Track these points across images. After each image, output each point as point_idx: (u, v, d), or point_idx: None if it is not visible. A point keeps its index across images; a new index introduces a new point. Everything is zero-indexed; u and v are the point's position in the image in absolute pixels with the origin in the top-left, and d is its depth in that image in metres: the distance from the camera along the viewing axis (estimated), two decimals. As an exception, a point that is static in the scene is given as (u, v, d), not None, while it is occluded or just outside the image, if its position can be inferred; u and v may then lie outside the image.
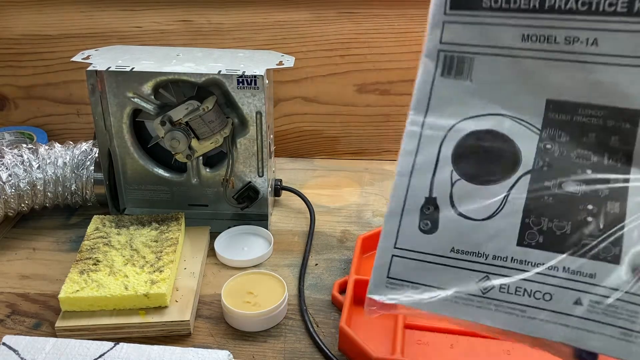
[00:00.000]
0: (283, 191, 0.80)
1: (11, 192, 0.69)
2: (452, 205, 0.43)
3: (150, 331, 0.56)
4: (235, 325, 0.58)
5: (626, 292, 0.38)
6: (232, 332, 0.57)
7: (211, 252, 0.69)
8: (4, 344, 0.51)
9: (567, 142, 0.41)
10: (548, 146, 0.42)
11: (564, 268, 0.39)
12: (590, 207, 0.40)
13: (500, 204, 0.42)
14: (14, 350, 0.51)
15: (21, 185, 0.70)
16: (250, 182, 0.72)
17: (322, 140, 0.95)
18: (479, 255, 0.42)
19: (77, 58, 0.68)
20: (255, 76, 0.65)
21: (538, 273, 0.40)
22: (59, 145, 0.75)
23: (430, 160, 0.43)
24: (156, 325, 0.56)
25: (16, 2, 0.88)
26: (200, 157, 0.71)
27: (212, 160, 0.73)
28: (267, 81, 0.66)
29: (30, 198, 0.72)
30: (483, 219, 0.42)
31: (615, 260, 0.38)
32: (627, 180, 0.39)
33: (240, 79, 0.65)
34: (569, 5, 0.40)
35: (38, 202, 0.73)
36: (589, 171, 0.40)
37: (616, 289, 0.38)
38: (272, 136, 0.75)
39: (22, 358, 0.50)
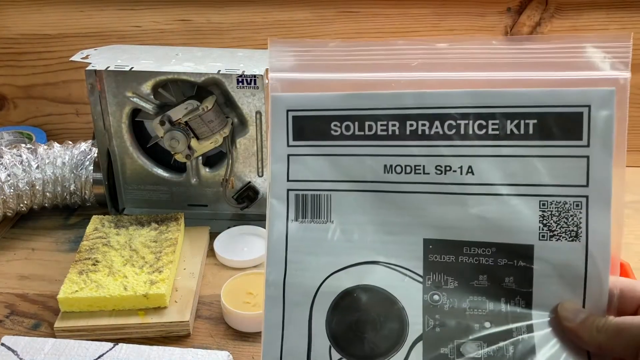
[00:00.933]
0: (283, 191, 0.80)
1: (10, 192, 0.69)
2: None
3: (150, 332, 0.56)
4: (234, 325, 0.58)
5: None
6: (231, 333, 0.57)
7: (211, 252, 0.69)
8: (2, 344, 0.51)
9: (456, 290, 0.35)
10: (435, 297, 0.35)
11: None
12: None
13: None
14: (13, 351, 0.50)
15: (20, 185, 0.70)
16: (250, 182, 0.72)
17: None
18: None
19: (76, 58, 0.68)
20: (254, 76, 0.65)
21: None
22: (58, 145, 0.75)
23: (301, 335, 0.36)
24: (155, 325, 0.56)
25: (15, 1, 0.87)
26: (200, 157, 0.71)
27: (212, 160, 0.73)
28: (266, 81, 0.66)
29: (29, 198, 0.71)
30: None
31: None
32: (531, 329, 0.34)
33: (240, 79, 0.65)
34: (435, 130, 0.35)
35: (37, 202, 0.73)
36: (487, 324, 0.34)
37: None
38: (271, 136, 0.75)
39: (21, 358, 0.50)
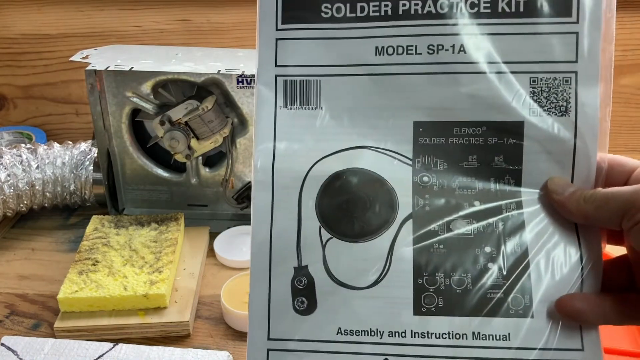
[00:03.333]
0: (283, 191, 0.80)
1: (10, 192, 0.69)
2: (328, 273, 0.35)
3: (150, 332, 0.56)
4: (234, 326, 0.58)
5: (542, 349, 0.33)
6: (231, 333, 0.57)
7: (210, 252, 0.69)
8: (2, 344, 0.51)
9: (446, 171, 0.35)
10: (425, 179, 0.35)
11: (473, 334, 0.33)
12: (488, 249, 0.34)
13: (386, 264, 0.34)
14: (13, 351, 0.50)
15: (20, 185, 0.70)
16: (250, 182, 0.72)
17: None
18: (372, 333, 0.34)
19: (76, 57, 0.68)
20: (255, 76, 0.64)
21: (445, 346, 0.34)
22: (58, 145, 0.75)
23: (291, 217, 0.35)
24: (155, 326, 0.56)
25: (15, 1, 0.87)
26: (200, 157, 0.71)
27: (212, 160, 0.73)
28: None
29: (29, 198, 0.71)
30: (368, 286, 0.34)
31: (526, 312, 0.33)
32: (520, 206, 0.34)
33: (240, 79, 0.65)
34: (427, 10, 0.35)
35: (37, 202, 0.73)
36: (476, 203, 0.35)
37: (534, 348, 0.33)
38: (271, 136, 0.75)
39: (20, 359, 0.50)
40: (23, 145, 0.74)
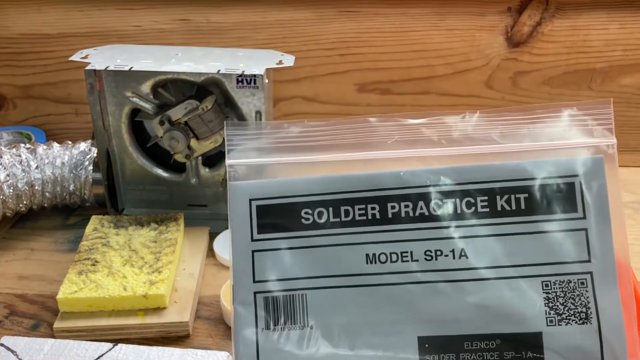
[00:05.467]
0: (283, 191, 0.80)
1: (9, 192, 0.69)
2: None
3: (149, 332, 0.56)
4: (234, 326, 0.57)
5: None
6: (231, 333, 0.57)
7: (210, 252, 0.69)
8: (2, 344, 0.51)
9: None
10: None
11: None
12: None
13: None
14: (12, 351, 0.50)
15: (19, 186, 0.70)
16: (249, 182, 0.72)
17: (322, 139, 0.95)
18: None
19: (76, 57, 0.68)
20: (254, 75, 0.64)
21: None
22: (58, 145, 0.74)
23: None
24: (155, 326, 0.56)
25: (15, 1, 0.87)
26: (200, 157, 0.71)
27: (212, 160, 0.73)
28: (266, 80, 0.66)
29: (29, 198, 0.71)
30: None
31: None
32: None
33: (240, 78, 0.65)
34: (419, 212, 0.31)
35: (36, 202, 0.73)
36: None
37: None
38: (271, 136, 0.74)
39: (20, 359, 0.50)
40: (22, 145, 0.73)
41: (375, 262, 0.31)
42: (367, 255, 0.31)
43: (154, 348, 0.51)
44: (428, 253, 0.31)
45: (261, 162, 0.33)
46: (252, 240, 0.32)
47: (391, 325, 0.31)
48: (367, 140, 0.33)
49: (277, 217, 0.32)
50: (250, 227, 0.32)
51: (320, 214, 0.32)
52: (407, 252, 0.31)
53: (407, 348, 0.31)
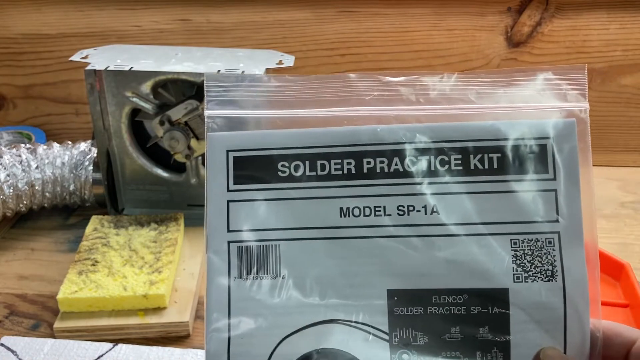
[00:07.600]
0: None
1: (9, 192, 0.69)
2: None
3: (149, 332, 0.56)
4: (234, 326, 0.57)
5: None
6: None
7: (210, 252, 0.69)
8: (2, 344, 0.51)
9: (427, 346, 0.31)
10: (404, 357, 0.31)
11: None
12: None
13: None
14: (12, 351, 0.50)
15: (19, 186, 0.70)
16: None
17: (322, 139, 0.95)
18: None
19: (76, 57, 0.68)
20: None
21: None
22: (58, 145, 0.74)
23: None
24: (155, 326, 0.56)
25: (15, 1, 0.87)
26: (200, 157, 0.71)
27: (212, 160, 0.73)
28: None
29: (29, 198, 0.71)
30: None
31: None
32: None
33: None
34: (394, 168, 0.32)
35: (36, 202, 0.73)
36: None
37: None
38: (271, 136, 0.74)
39: (20, 359, 0.50)
40: (22, 145, 0.73)
41: (349, 216, 0.32)
42: (341, 208, 0.32)
43: (154, 348, 0.51)
44: (400, 208, 0.32)
45: (240, 114, 0.33)
46: (228, 190, 0.32)
47: (362, 277, 0.32)
48: (345, 96, 0.33)
49: (253, 169, 0.32)
50: (227, 178, 0.32)
51: (296, 167, 0.32)
52: (380, 206, 0.32)
53: (376, 300, 0.32)
